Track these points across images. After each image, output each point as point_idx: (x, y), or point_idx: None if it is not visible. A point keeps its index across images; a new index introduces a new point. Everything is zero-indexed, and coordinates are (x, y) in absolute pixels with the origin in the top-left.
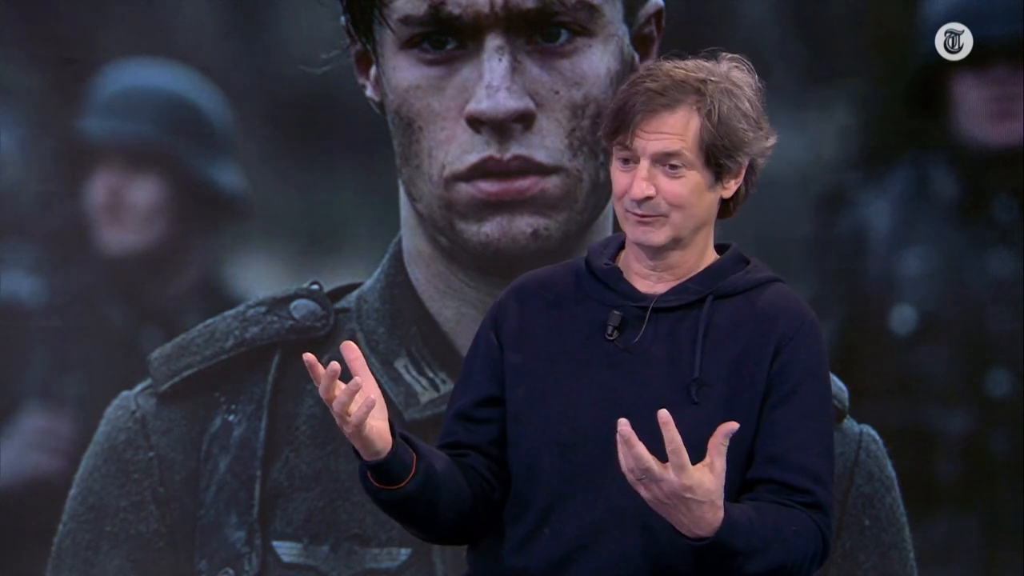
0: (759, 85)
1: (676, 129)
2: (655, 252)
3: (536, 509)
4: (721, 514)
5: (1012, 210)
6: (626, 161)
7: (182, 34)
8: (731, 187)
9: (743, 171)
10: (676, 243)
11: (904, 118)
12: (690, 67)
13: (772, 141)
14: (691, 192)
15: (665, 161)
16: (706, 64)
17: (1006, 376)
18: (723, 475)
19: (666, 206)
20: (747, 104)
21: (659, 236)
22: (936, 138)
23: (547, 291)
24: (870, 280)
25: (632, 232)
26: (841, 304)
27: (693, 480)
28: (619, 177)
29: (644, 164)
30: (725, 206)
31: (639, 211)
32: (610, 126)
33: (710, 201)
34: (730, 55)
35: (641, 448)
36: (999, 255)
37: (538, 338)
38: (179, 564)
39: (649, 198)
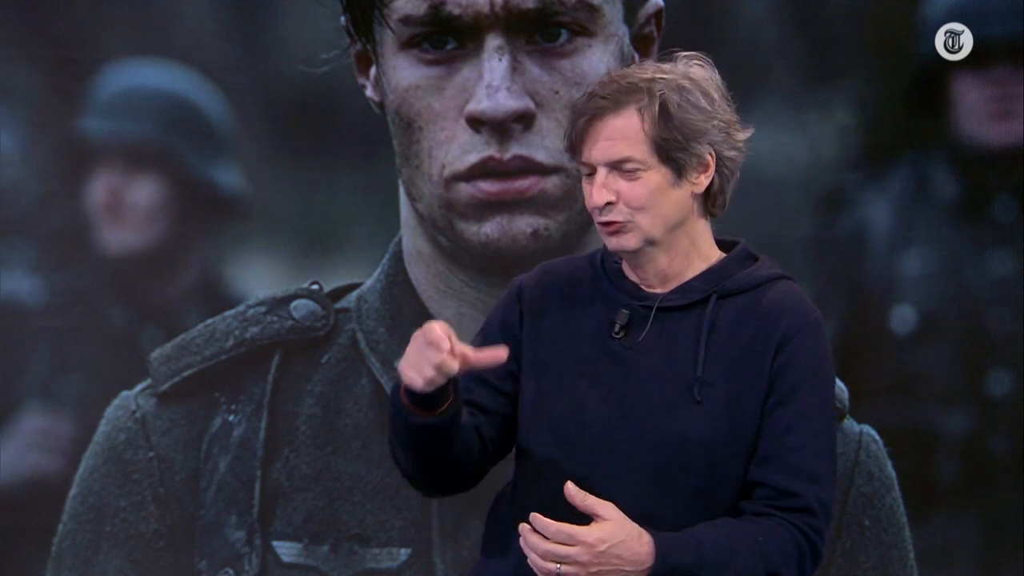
0: (719, 79)
1: (622, 132)
2: (632, 257)
3: (542, 507)
4: (647, 538)
5: (1012, 210)
6: (587, 175)
7: (182, 34)
8: (701, 181)
9: (711, 164)
10: (651, 245)
11: (904, 118)
12: (640, 69)
13: (743, 134)
14: (651, 192)
15: (619, 166)
16: (660, 65)
17: (1006, 376)
18: (615, 512)
19: (628, 210)
20: (699, 96)
21: (630, 241)
22: (936, 138)
23: (566, 284)
24: (870, 280)
25: (607, 242)
26: (841, 304)
27: (594, 535)
28: (587, 189)
29: (601, 171)
30: (707, 205)
31: (604, 218)
32: (566, 141)
33: (677, 198)
34: (687, 53)
35: (539, 540)
36: (999, 255)
37: (552, 332)
38: (179, 564)
39: (610, 203)
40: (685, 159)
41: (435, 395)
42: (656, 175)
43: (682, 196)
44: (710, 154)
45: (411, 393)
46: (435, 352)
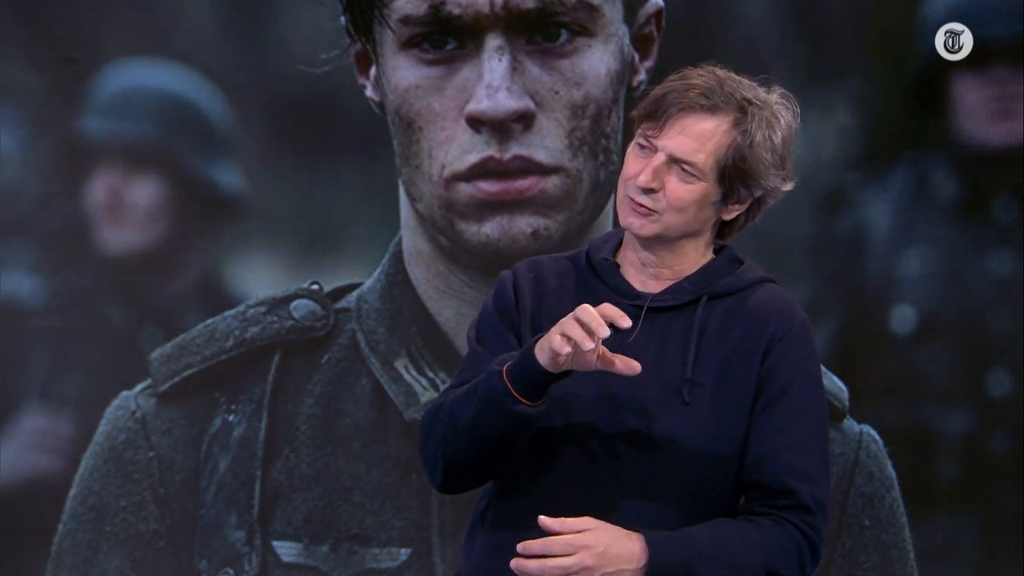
0: (798, 128)
1: (702, 138)
2: (643, 242)
3: (530, 505)
4: (636, 535)
5: (1012, 210)
6: (643, 147)
7: (182, 34)
8: (732, 211)
9: (748, 201)
10: (661, 241)
11: (904, 118)
12: (743, 84)
13: (789, 187)
14: (694, 201)
15: (681, 164)
16: (758, 87)
17: (1006, 376)
18: (594, 521)
19: (665, 205)
20: (779, 139)
21: (647, 228)
22: (936, 138)
23: (555, 279)
24: (870, 280)
25: (624, 217)
26: (841, 304)
27: (589, 538)
28: (632, 161)
29: (660, 157)
30: (722, 229)
31: (638, 199)
32: (645, 110)
33: (708, 215)
34: (781, 90)
35: (539, 562)
36: (999, 255)
37: (543, 326)
38: (179, 564)
39: (653, 190)
40: (738, 189)
41: (546, 383)
42: (706, 188)
43: (712, 215)
44: (757, 195)
45: (519, 382)
46: (602, 330)
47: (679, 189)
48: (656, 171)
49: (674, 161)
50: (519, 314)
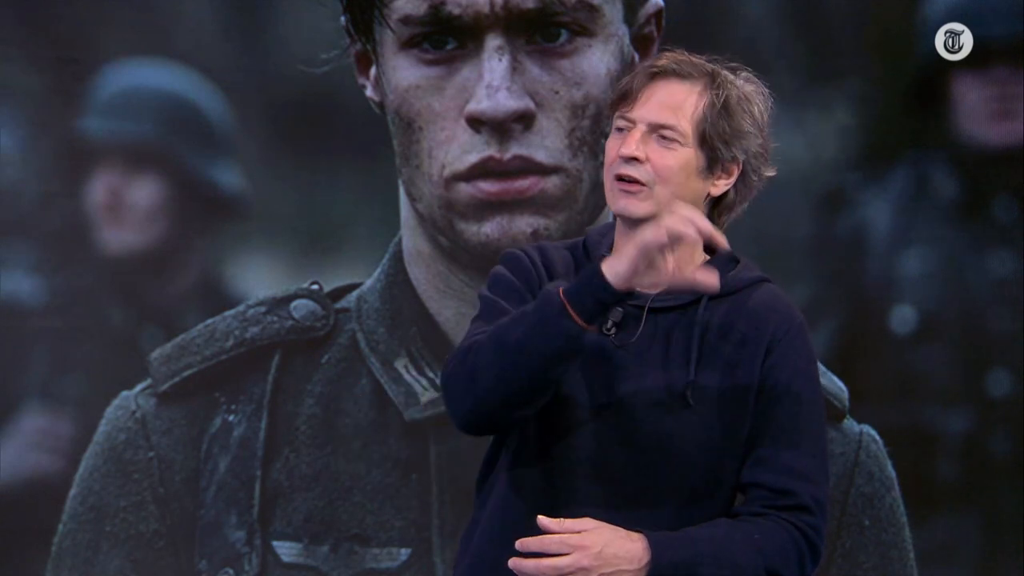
0: (770, 103)
1: (678, 101)
2: (636, 225)
3: (528, 500)
4: (637, 535)
5: (1012, 210)
6: (621, 130)
7: (182, 34)
8: (720, 185)
9: (735, 171)
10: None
11: (904, 118)
12: (707, 60)
13: (769, 171)
14: (679, 167)
15: (660, 131)
16: (725, 68)
17: (1006, 376)
18: (593, 522)
19: (651, 176)
20: (754, 110)
21: (640, 208)
22: (936, 138)
23: (560, 266)
24: (870, 280)
25: (614, 202)
26: (841, 304)
27: (585, 539)
28: (611, 145)
29: (640, 128)
30: (713, 213)
31: (624, 171)
32: (616, 95)
33: (696, 188)
34: (747, 73)
35: (536, 562)
36: (999, 255)
37: None
38: (179, 564)
39: (637, 159)
40: (721, 153)
41: (605, 304)
42: (689, 154)
43: (700, 189)
44: (741, 162)
45: (577, 300)
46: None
47: (663, 157)
48: (637, 141)
49: (652, 129)
50: (541, 286)
